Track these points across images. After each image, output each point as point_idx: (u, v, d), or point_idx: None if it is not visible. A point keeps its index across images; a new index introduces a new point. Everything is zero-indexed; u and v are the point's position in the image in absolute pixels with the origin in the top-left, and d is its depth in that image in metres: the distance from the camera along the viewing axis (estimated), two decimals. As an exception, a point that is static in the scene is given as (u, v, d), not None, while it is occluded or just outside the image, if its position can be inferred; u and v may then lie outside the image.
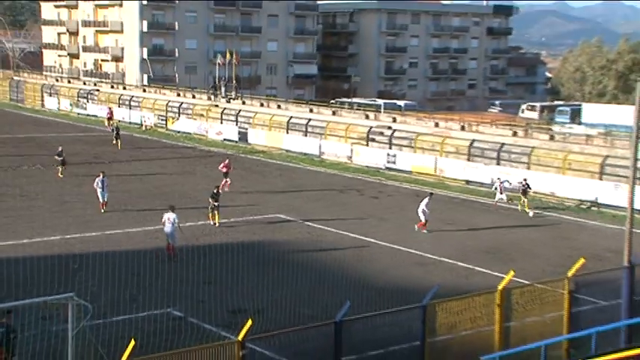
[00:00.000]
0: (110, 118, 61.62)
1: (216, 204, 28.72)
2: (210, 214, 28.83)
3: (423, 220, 28.85)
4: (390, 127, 48.81)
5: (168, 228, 24.39)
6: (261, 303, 19.54)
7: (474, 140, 42.99)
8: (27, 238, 25.55)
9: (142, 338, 14.94)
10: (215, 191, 29.02)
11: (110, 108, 64.81)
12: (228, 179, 35.73)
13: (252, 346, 13.74)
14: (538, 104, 74.69)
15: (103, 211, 30.11)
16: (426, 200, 29.20)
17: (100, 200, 30.40)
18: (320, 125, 51.10)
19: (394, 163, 44.46)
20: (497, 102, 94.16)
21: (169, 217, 24.43)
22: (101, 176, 30.67)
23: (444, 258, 25.56)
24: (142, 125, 62.03)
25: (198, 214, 30.10)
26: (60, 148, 38.77)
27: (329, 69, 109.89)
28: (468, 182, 40.54)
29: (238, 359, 13.04)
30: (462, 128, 48.88)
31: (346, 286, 21.10)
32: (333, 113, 57.80)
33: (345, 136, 48.76)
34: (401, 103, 77.78)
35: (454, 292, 17.70)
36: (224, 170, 36.06)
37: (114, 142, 49.84)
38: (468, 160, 41.85)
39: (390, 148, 45.84)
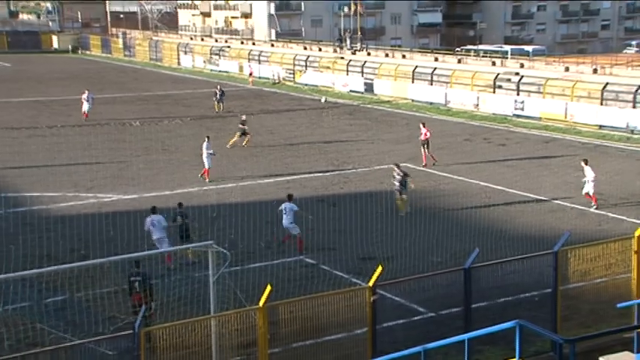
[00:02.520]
0: (251, 74, 63.01)
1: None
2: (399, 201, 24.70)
3: None
4: (517, 74, 47.43)
5: (285, 221, 21.05)
6: (390, 250, 19.93)
7: (607, 83, 41.09)
8: (169, 190, 27.09)
9: (277, 284, 15.70)
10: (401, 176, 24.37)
11: (250, 66, 65.88)
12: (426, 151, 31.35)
13: (382, 292, 14.14)
14: (681, 42, 70.02)
15: (207, 180, 28.37)
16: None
17: (206, 166, 28.64)
18: (445, 74, 50.34)
19: (522, 109, 43.31)
20: (633, 42, 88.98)
21: (286, 206, 21.09)
22: (206, 141, 28.96)
23: (576, 205, 24.96)
24: (272, 79, 63.36)
25: (326, 165, 30.80)
26: (244, 117, 36.41)
27: (453, 16, 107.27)
28: (600, 127, 38.98)
29: (369, 304, 13.47)
30: (594, 71, 46.77)
31: (475, 234, 21.15)
32: (459, 61, 56.74)
33: (471, 84, 47.86)
34: (529, 48, 75.12)
35: (587, 239, 17.39)
36: (424, 138, 31.14)
37: (216, 106, 46.36)
38: (601, 104, 40.14)
39: (518, 94, 44.60)
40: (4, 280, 13.46)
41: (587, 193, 24.72)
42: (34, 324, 15.22)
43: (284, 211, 21.01)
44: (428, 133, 30.94)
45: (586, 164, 24.91)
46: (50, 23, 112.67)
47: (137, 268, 15.23)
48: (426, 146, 31.01)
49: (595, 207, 24.53)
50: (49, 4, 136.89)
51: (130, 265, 15.53)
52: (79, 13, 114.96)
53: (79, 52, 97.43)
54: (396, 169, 24.80)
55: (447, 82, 49.48)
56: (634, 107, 38.60)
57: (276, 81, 62.59)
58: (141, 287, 14.92)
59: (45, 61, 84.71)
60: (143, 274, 15.18)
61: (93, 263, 15.46)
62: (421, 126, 31.53)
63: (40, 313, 15.78)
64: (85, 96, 43.57)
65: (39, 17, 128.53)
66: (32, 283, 16.34)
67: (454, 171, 30.05)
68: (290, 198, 21.46)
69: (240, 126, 35.04)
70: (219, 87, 47.79)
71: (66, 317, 15.62)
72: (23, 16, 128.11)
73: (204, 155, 28.73)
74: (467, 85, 48.17)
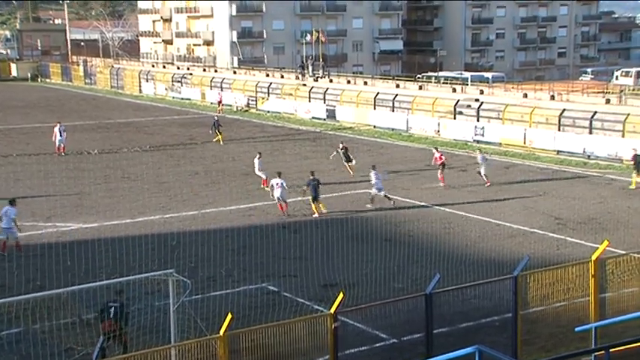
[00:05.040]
0: (220, 102, 61.51)
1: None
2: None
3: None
4: (477, 100, 48.17)
5: (277, 192, 27.13)
6: (352, 277, 19.95)
7: (564, 109, 41.94)
8: (129, 218, 26.81)
9: (238, 312, 15.59)
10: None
11: (220, 93, 64.53)
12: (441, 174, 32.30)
13: (344, 319, 14.12)
14: (633, 70, 71.92)
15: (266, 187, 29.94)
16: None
17: (263, 177, 31.45)
18: (407, 100, 50.91)
19: (482, 135, 43.93)
20: (589, 70, 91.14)
21: (277, 182, 27.20)
22: (257, 157, 32.51)
23: (535, 229, 25.29)
24: (234, 106, 63.33)
25: (288, 191, 30.80)
26: (342, 144, 36.68)
27: (414, 44, 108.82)
28: (558, 152, 39.68)
29: (331, 331, 13.43)
30: (552, 98, 47.72)
31: (435, 259, 21.26)
32: (420, 88, 57.46)
33: (432, 110, 48.44)
34: (488, 75, 76.42)
35: (546, 264, 17.61)
36: (439, 162, 32.20)
37: (216, 137, 44.86)
38: (559, 129, 40.91)
39: (478, 120, 45.28)
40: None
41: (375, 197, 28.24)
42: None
43: (276, 185, 27.05)
44: (442, 157, 32.25)
45: (373, 169, 28.82)
46: (9, 51, 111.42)
47: (118, 296, 14.95)
48: (442, 169, 31.98)
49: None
50: (7, 32, 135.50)
51: (88, 295, 15.26)
52: (38, 40, 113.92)
53: (39, 80, 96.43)
54: (311, 175, 27.67)
55: (409, 109, 50.02)
56: (590, 133, 39.41)
57: (240, 108, 62.60)
58: (117, 315, 14.67)
59: (3, 89, 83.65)
60: (121, 303, 14.91)
61: (49, 294, 15.15)
62: (434, 151, 32.82)
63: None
64: (57, 129, 41.01)
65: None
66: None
67: (415, 196, 30.26)
68: (279, 175, 27.42)
69: (342, 152, 35.21)
70: (216, 117, 48.02)
71: (21, 350, 15.27)
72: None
73: (257, 168, 31.90)
74: (428, 112, 48.74)
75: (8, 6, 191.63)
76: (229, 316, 12.41)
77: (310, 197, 27.43)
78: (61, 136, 40.67)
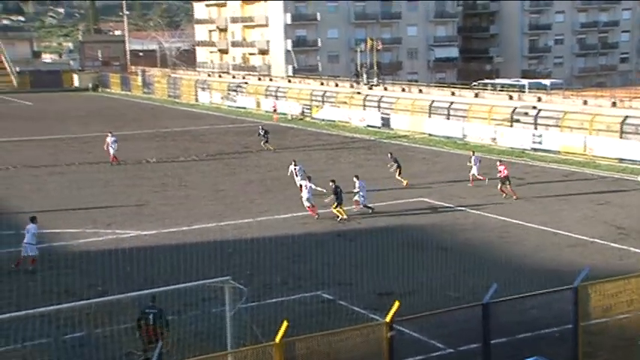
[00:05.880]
0: (275, 111, 62.95)
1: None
2: None
3: None
4: (534, 107, 47.41)
5: (305, 195, 28.17)
6: (408, 286, 19.79)
7: (626, 116, 40.93)
8: (186, 226, 27.17)
9: (293, 319, 15.60)
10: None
11: (275, 101, 65.78)
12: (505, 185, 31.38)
13: (399, 328, 14.01)
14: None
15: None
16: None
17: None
18: (462, 108, 50.45)
19: (540, 143, 43.19)
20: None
21: (306, 184, 28.48)
22: (293, 164, 33.16)
23: (596, 239, 24.72)
24: (289, 114, 63.76)
25: (344, 199, 30.83)
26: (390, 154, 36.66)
27: (470, 51, 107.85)
28: (620, 160, 38.73)
29: (386, 340, 13.34)
30: (613, 105, 46.59)
31: (493, 269, 20.96)
32: (476, 95, 56.85)
33: (488, 117, 47.88)
34: (546, 81, 75.16)
35: (608, 275, 17.17)
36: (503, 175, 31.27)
37: (264, 146, 45.36)
38: (621, 137, 39.94)
39: (536, 128, 44.54)
40: (24, 317, 13.52)
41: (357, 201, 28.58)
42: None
43: (306, 188, 28.07)
44: (506, 170, 31.16)
45: (357, 179, 28.87)
46: (71, 62, 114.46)
47: (153, 302, 15.21)
48: (507, 183, 30.97)
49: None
50: (70, 44, 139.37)
51: (147, 300, 15.52)
52: (99, 52, 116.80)
53: (99, 90, 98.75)
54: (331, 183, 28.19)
55: (464, 117, 49.53)
56: (654, 140, 38.38)
57: (294, 117, 62.93)
58: (157, 321, 14.88)
59: (66, 100, 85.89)
60: (159, 309, 15.15)
61: (110, 299, 15.47)
62: (498, 163, 31.87)
63: (59, 349, 15.78)
64: (109, 139, 41.46)
65: (60, 56, 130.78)
66: (51, 319, 16.35)
67: (471, 205, 29.90)
68: (309, 179, 28.75)
69: (392, 161, 35.15)
70: (261, 127, 47.80)
71: (84, 354, 15.61)
72: (45, 56, 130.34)
73: (299, 179, 31.39)
74: (484, 119, 48.17)
75: (71, 19, 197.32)
76: (285, 323, 12.43)
77: (334, 202, 27.68)
78: (112, 145, 41.25)
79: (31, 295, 18.54)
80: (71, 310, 15.33)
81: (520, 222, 27.14)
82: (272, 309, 17.96)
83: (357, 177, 29.35)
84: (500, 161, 32.54)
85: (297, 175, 32.41)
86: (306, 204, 28.28)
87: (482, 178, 33.37)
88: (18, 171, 39.08)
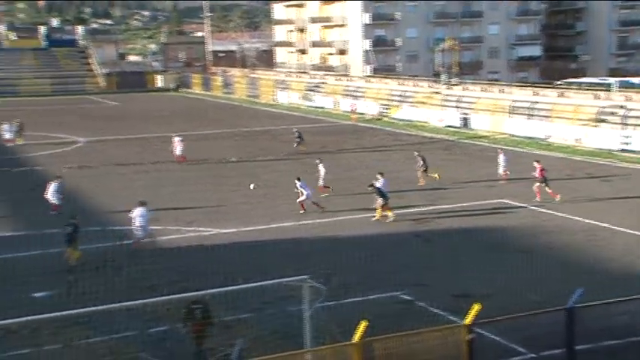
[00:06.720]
0: (353, 111, 62.88)
1: None
2: None
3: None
4: (622, 106, 45.83)
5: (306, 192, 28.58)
6: (487, 288, 19.44)
7: None
8: (265, 224, 27.47)
9: (371, 320, 15.54)
10: None
11: (355, 103, 65.63)
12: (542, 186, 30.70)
13: (479, 331, 13.79)
14: None
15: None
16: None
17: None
18: (545, 108, 49.25)
19: (629, 144, 41.73)
20: None
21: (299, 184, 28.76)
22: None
23: (689, 245, 23.71)
24: (368, 114, 63.69)
25: (419, 199, 30.58)
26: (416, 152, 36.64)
27: (554, 49, 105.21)
28: None
29: (466, 343, 13.15)
30: None
31: (578, 272, 20.38)
32: (560, 95, 55.41)
33: (572, 117, 46.57)
34: (636, 80, 72.52)
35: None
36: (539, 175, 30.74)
37: (296, 145, 45.65)
38: None
39: (624, 128, 43.05)
40: (110, 310, 13.93)
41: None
42: (139, 353, 15.66)
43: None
44: (542, 170, 30.48)
45: (298, 180, 28.81)
46: (155, 63, 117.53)
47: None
48: (545, 184, 30.27)
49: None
50: (154, 46, 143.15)
51: (227, 297, 15.72)
52: (181, 53, 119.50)
53: (181, 90, 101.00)
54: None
55: (547, 117, 48.35)
56: None
57: (373, 117, 62.78)
58: (204, 317, 15.12)
59: (149, 100, 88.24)
60: (205, 303, 15.32)
61: (193, 295, 15.76)
62: (535, 163, 31.11)
63: (144, 342, 16.20)
64: (176, 139, 42.34)
65: (145, 58, 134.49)
66: (136, 314, 16.80)
67: (555, 207, 29.15)
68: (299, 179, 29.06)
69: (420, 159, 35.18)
70: (295, 129, 47.55)
71: (167, 348, 15.96)
72: (130, 58, 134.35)
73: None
74: (568, 120, 46.91)
75: (155, 21, 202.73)
76: (363, 323, 12.39)
77: (380, 202, 27.35)
78: (179, 146, 42.04)
79: (117, 290, 19.09)
80: (154, 304, 15.72)
81: (607, 225, 26.28)
82: (350, 309, 17.92)
83: (298, 179, 29.06)
84: (538, 161, 31.55)
85: (298, 189, 29.65)
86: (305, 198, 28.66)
87: (505, 176, 34.21)
88: (107, 169, 40.37)
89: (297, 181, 29.48)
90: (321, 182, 32.57)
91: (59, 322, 15.79)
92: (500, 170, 34.65)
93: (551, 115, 48.26)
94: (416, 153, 36.04)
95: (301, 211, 28.73)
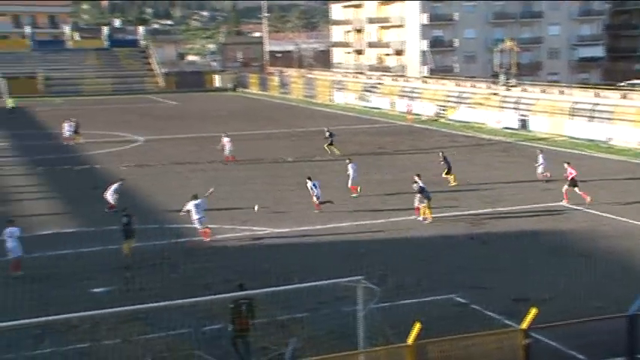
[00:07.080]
0: (409, 112, 62.57)
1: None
2: None
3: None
4: (689, 109, 44.52)
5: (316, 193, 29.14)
6: (545, 292, 19.10)
7: None
8: (320, 224, 27.53)
9: (426, 322, 15.42)
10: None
11: (410, 103, 65.16)
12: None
13: (536, 336, 13.56)
14: None
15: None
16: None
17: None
18: (607, 110, 48.12)
19: (695, 147, 40.53)
20: None
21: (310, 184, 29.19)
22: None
23: None
24: (424, 115, 63.28)
25: (477, 202, 30.22)
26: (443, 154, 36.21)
27: (618, 50, 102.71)
28: None
29: (522, 348, 12.97)
30: None
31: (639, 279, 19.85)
32: (623, 96, 54.06)
33: (636, 120, 45.39)
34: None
35: None
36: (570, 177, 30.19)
37: (328, 148, 44.58)
38: None
39: (690, 131, 41.82)
40: (166, 308, 14.16)
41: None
42: (193, 351, 15.89)
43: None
44: (573, 172, 29.98)
45: (194, 199, 25.53)
46: (213, 63, 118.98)
47: (241, 290, 15.46)
48: (573, 186, 29.75)
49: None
50: (212, 46, 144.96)
51: (280, 297, 15.81)
52: (239, 53, 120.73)
53: (238, 90, 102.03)
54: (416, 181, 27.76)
55: (609, 119, 47.24)
56: None
57: (429, 118, 62.32)
58: (249, 312, 15.23)
59: (207, 99, 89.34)
60: (249, 298, 15.38)
61: (246, 294, 15.90)
62: (566, 165, 30.58)
63: (198, 340, 16.41)
64: (225, 139, 42.57)
65: (203, 57, 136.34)
66: (191, 311, 17.03)
67: (615, 211, 28.46)
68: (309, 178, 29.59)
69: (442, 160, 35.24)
70: (327, 129, 46.43)
71: (221, 346, 16.14)
72: (189, 58, 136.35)
73: (351, 175, 31.49)
74: (632, 122, 45.74)
75: (214, 21, 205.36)
76: (417, 325, 12.31)
77: (424, 202, 27.21)
78: (228, 146, 42.40)
79: (173, 288, 19.40)
80: (209, 302, 15.91)
81: (670, 231, 25.55)
82: (404, 310, 17.84)
83: (194, 196, 25.73)
84: (568, 163, 30.81)
85: (312, 190, 29.63)
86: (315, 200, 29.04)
87: (542, 177, 34.03)
88: (165, 167, 41.03)
89: (308, 181, 29.70)
90: (350, 183, 32.66)
91: (118, 317, 16.16)
92: (540, 170, 34.33)
93: (613, 117, 47.13)
94: (440, 154, 35.84)
95: (316, 210, 28.96)
